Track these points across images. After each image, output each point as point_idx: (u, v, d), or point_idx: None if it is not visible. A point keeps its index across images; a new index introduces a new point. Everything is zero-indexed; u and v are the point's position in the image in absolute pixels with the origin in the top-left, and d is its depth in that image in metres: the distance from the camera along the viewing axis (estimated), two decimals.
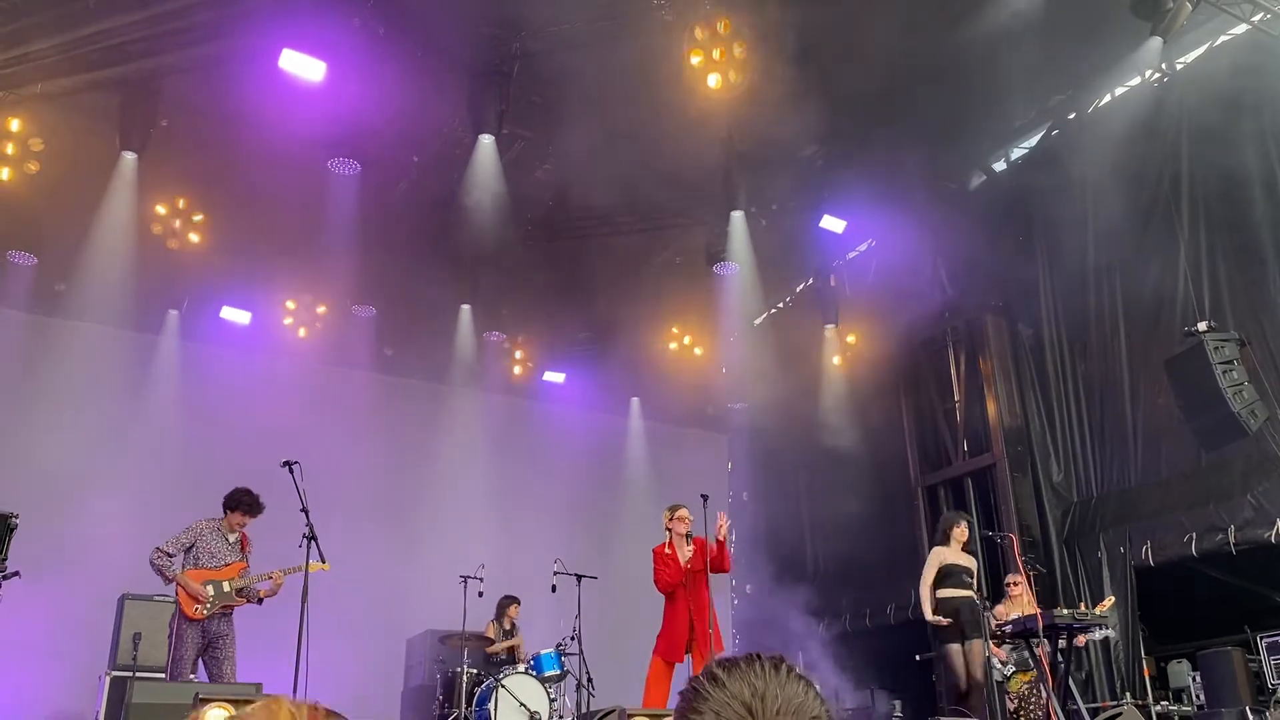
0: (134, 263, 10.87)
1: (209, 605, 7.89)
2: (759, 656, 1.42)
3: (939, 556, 9.06)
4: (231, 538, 8.21)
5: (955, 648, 8.67)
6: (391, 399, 14.00)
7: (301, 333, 13.25)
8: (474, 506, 13.40)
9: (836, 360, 14.02)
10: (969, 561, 9.12)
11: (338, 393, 13.27)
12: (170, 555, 7.90)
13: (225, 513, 8.21)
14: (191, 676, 7.83)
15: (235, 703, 5.70)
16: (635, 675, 8.70)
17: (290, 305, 13.21)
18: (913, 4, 9.77)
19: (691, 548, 8.54)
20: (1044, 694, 8.40)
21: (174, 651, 7.79)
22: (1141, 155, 11.00)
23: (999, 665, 9.15)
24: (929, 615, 8.87)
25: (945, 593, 8.83)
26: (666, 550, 8.51)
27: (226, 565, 8.07)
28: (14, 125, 9.88)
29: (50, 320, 11.99)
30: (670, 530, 8.63)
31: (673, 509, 8.78)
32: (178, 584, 7.87)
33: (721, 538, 8.54)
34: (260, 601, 8.21)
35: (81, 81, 9.64)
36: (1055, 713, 7.86)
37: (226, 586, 8.00)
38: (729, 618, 15.84)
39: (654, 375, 15.20)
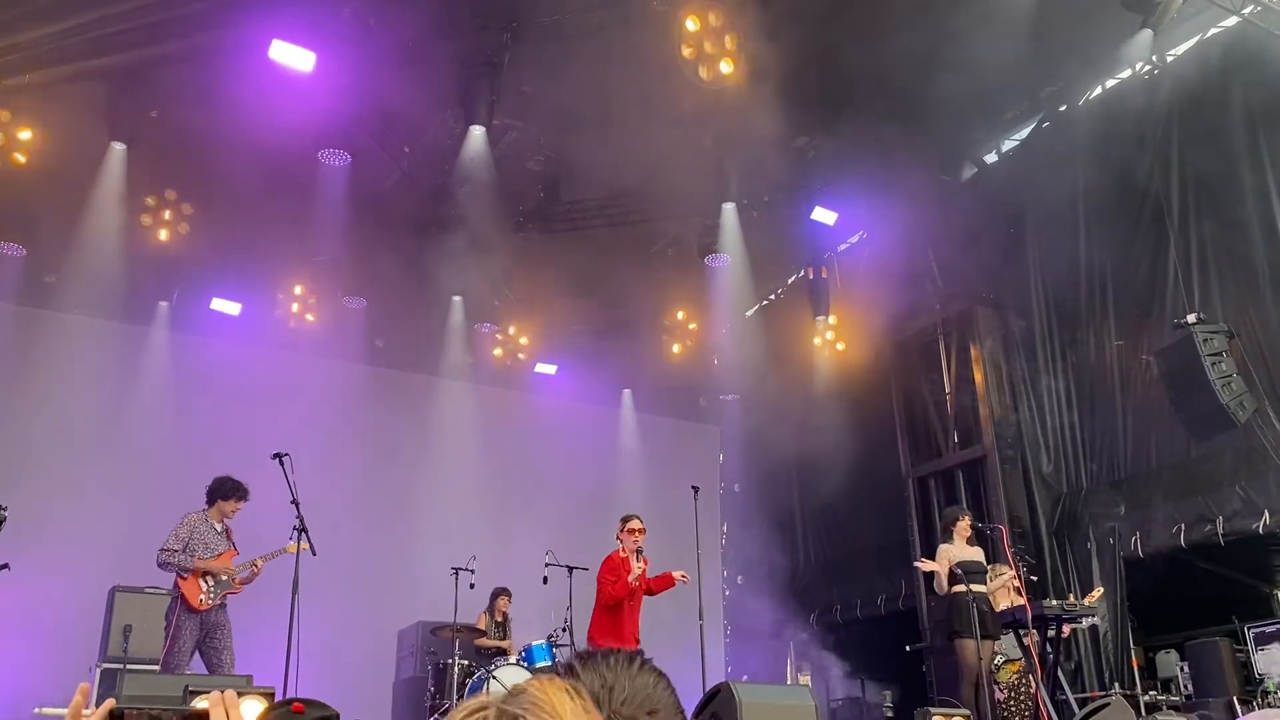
0: (124, 254, 10.84)
1: (213, 595, 7.93)
2: (617, 651, 1.51)
3: (946, 555, 8.83)
4: (219, 527, 8.25)
5: (970, 643, 8.34)
6: (382, 390, 13.97)
7: (292, 324, 13.22)
8: (465, 498, 13.39)
9: (827, 352, 14.04)
10: (977, 554, 9.00)
11: (328, 384, 13.22)
12: (177, 551, 7.92)
13: (212, 503, 8.25)
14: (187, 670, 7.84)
15: None
16: None
17: (281, 297, 13.17)
18: None
19: (642, 564, 8.31)
20: (1033, 684, 8.44)
21: (172, 643, 7.79)
22: (1132, 147, 11.03)
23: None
24: (945, 587, 8.63)
25: (960, 589, 8.49)
26: (621, 555, 8.33)
27: (219, 555, 8.14)
28: (2, 116, 9.82)
29: (40, 312, 11.94)
30: (620, 541, 8.41)
31: (625, 520, 8.51)
32: (194, 574, 7.89)
33: (677, 579, 8.44)
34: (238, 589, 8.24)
35: (70, 72, 9.58)
36: (1044, 703, 7.91)
37: (224, 576, 8.05)
38: (720, 609, 15.88)
39: (646, 367, 15.19)
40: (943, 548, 9.01)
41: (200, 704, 1.46)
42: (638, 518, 8.50)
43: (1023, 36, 9.43)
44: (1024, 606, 8.13)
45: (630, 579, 8.18)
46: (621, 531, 8.45)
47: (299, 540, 7.61)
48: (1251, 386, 9.60)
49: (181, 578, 7.91)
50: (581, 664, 1.49)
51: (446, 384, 14.25)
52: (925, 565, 8.94)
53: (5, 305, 11.82)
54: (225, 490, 8.21)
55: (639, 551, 8.35)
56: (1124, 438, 11.26)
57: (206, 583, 7.96)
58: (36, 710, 8.00)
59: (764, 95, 9.75)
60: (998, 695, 9.08)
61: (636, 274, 13.44)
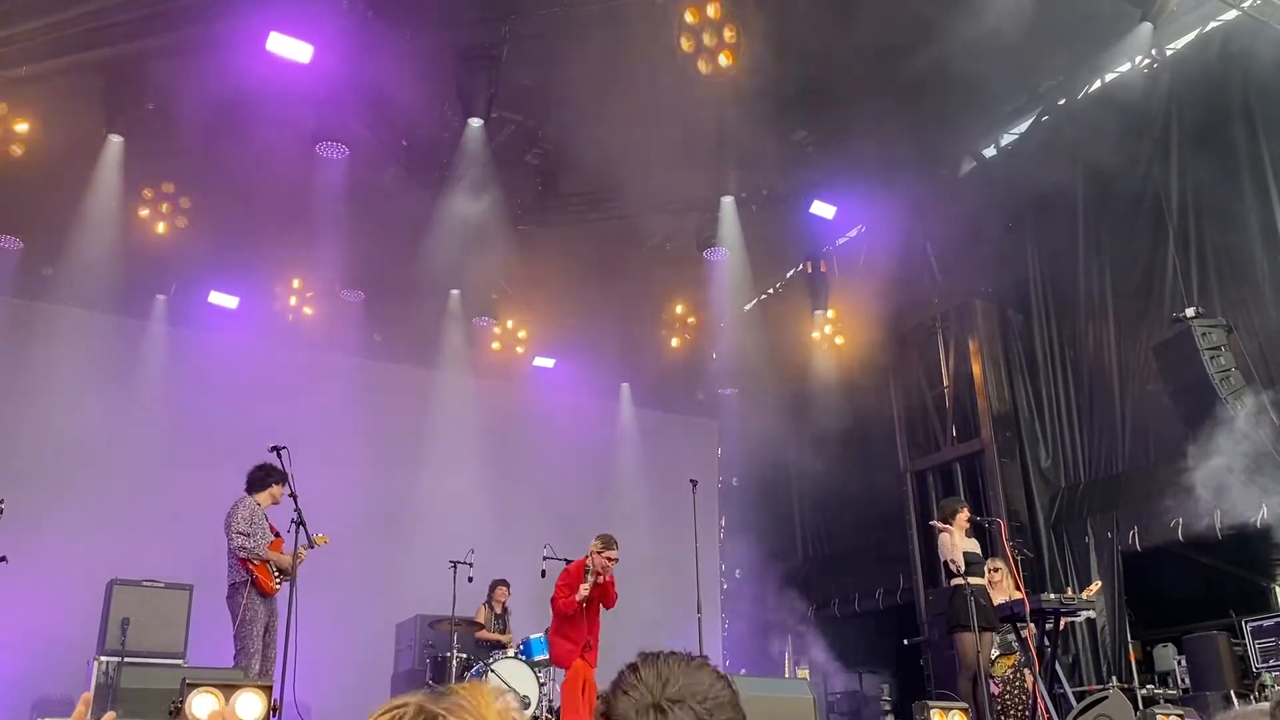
0: (121, 247, 10.82)
1: (279, 579, 7.93)
2: (680, 654, 1.63)
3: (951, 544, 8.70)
4: (264, 514, 8.20)
5: (969, 637, 8.21)
6: (380, 384, 13.96)
7: (290, 317, 13.20)
8: (463, 492, 13.38)
9: (826, 346, 14.04)
10: (975, 546, 8.96)
11: (326, 378, 13.21)
12: (249, 535, 7.83)
13: (263, 488, 8.12)
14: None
15: (223, 687, 5.68)
16: (624, 660, 8.67)
17: (279, 290, 13.15)
18: None
19: (596, 581, 8.31)
20: (1028, 678, 8.44)
21: (248, 629, 7.69)
22: (1131, 141, 11.02)
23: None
24: (962, 568, 8.40)
25: (959, 582, 8.33)
26: (584, 577, 8.32)
27: (272, 542, 8.10)
28: None
29: (37, 304, 11.92)
30: (591, 559, 8.35)
31: (606, 542, 8.42)
32: (265, 561, 7.86)
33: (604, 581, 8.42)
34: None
35: (67, 64, 9.54)
36: (1042, 696, 7.91)
37: (286, 566, 8.01)
38: (718, 602, 15.89)
39: (644, 361, 15.19)
40: (943, 538, 8.97)
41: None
42: (616, 549, 8.43)
43: (1022, 30, 9.42)
44: (1022, 600, 8.12)
45: (578, 598, 8.23)
46: (599, 552, 8.35)
47: (297, 534, 7.58)
48: (1249, 380, 9.59)
49: (253, 564, 7.85)
50: (643, 662, 1.60)
51: (445, 378, 14.23)
52: (940, 525, 8.82)
53: (2, 298, 11.80)
54: (276, 474, 8.01)
55: (588, 569, 8.34)
56: (1122, 431, 11.26)
57: (272, 567, 7.95)
58: None
59: (763, 89, 9.74)
60: (993, 689, 9.07)
61: (635, 267, 13.44)
